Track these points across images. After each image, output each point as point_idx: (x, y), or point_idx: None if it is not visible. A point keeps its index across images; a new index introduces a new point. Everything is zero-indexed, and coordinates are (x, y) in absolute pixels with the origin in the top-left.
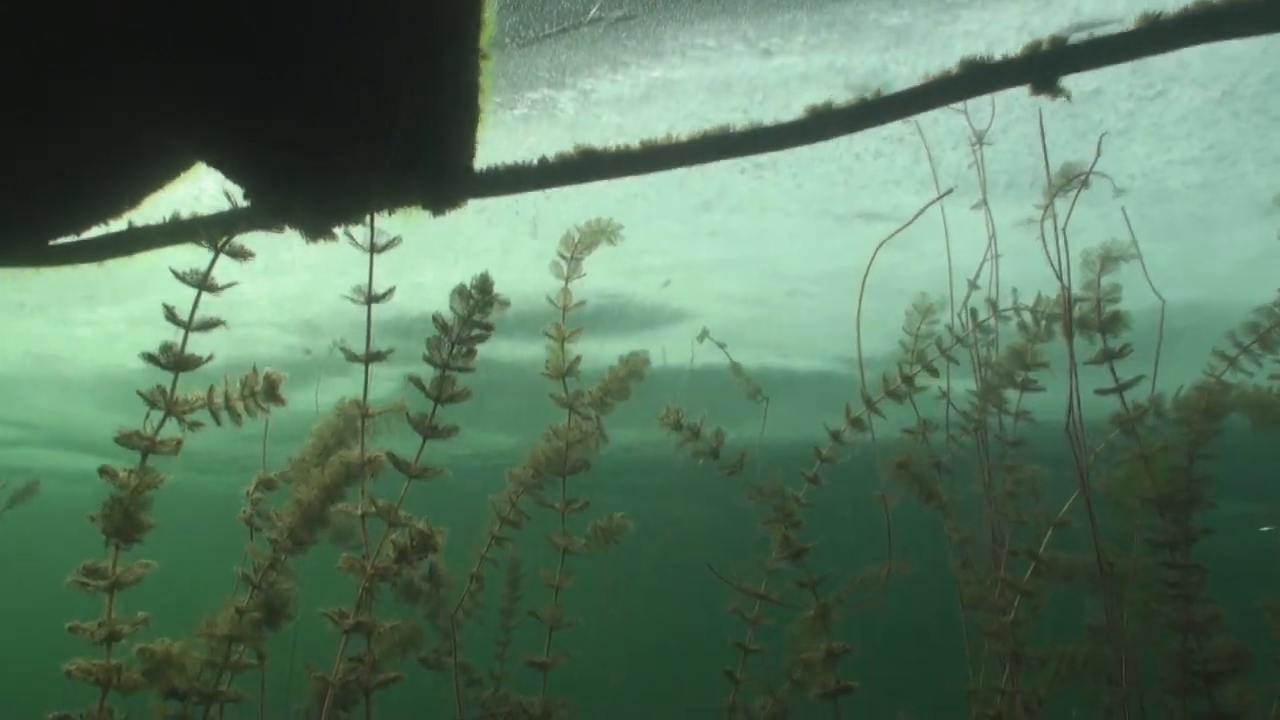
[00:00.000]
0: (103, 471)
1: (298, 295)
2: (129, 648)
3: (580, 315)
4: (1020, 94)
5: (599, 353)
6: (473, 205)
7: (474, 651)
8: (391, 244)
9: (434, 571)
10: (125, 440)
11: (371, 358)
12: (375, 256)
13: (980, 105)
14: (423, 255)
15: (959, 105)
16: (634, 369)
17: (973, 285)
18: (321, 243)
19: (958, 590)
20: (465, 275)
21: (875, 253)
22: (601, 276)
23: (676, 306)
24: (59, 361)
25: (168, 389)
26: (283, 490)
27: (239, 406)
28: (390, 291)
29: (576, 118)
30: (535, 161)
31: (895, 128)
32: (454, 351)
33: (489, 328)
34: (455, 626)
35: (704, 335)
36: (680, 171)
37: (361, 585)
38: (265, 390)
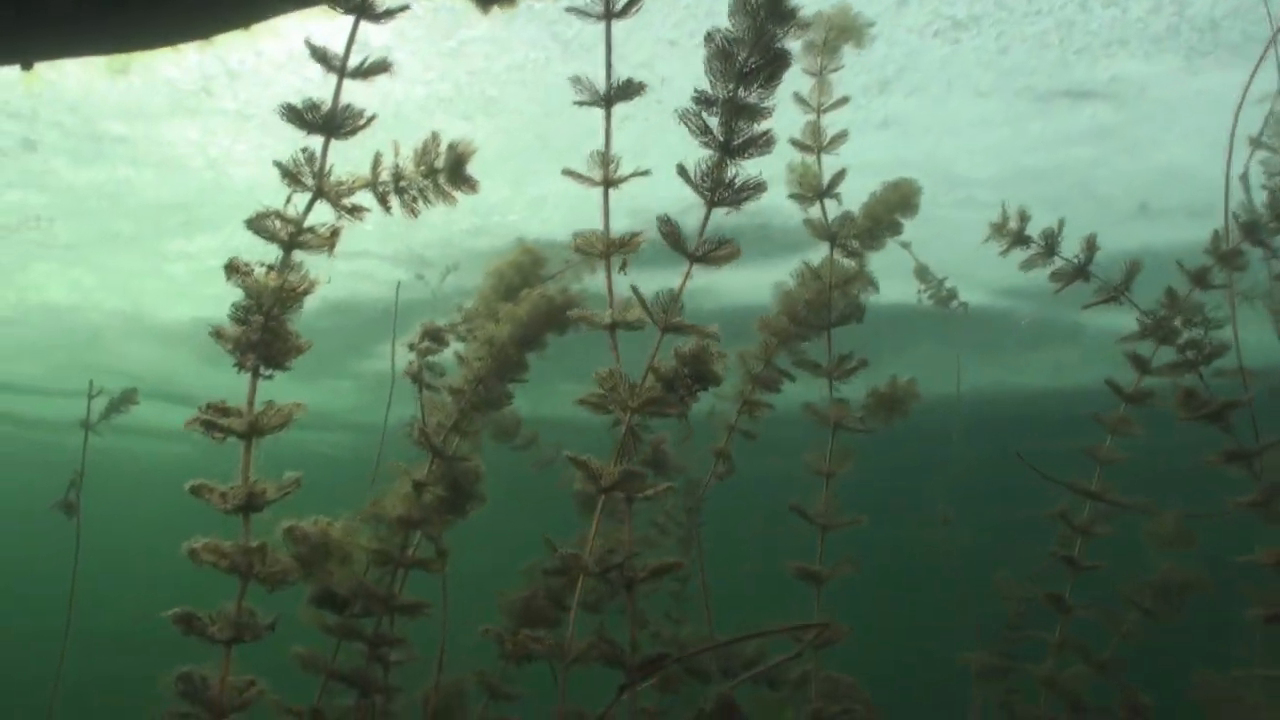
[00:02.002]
0: (231, 268)
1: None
2: (273, 526)
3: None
4: None
5: (731, 281)
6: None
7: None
8: None
9: (658, 454)
10: (259, 225)
11: (613, 98)
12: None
13: None
14: (543, 163)
15: None
16: (905, 197)
17: (1257, 141)
18: (498, 9)
19: None
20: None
21: None
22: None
23: None
24: (153, 299)
25: (317, 155)
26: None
27: (415, 184)
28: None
29: None
30: None
31: None
32: (740, 88)
33: (785, 57)
34: (698, 516)
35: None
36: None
37: (623, 425)
38: (450, 166)
